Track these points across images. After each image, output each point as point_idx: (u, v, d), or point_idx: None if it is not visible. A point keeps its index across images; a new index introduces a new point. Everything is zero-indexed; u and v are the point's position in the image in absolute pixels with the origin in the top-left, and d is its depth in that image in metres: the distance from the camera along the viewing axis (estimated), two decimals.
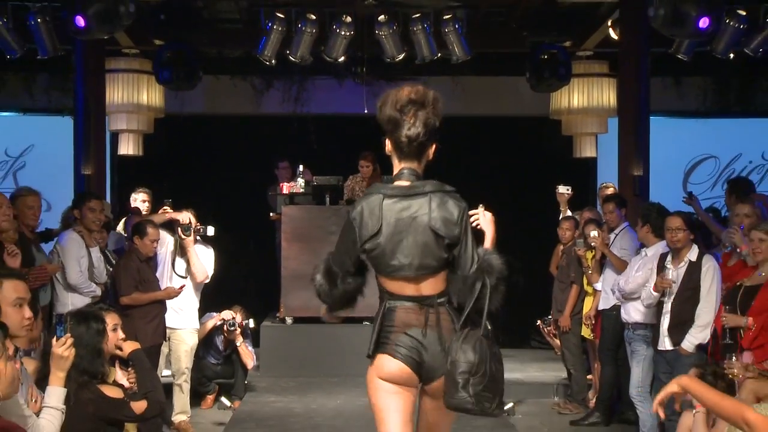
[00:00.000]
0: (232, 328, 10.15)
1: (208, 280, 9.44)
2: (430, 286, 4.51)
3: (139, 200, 10.76)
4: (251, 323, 10.39)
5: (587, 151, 14.03)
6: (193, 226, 9.24)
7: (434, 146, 4.56)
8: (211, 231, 9.41)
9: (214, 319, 10.18)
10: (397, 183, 4.54)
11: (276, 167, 13.29)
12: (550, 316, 10.42)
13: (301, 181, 12.01)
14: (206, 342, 10.25)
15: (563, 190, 11.02)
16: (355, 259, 4.57)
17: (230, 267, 11.34)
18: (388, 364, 4.52)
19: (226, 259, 10.64)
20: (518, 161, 14.33)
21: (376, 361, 4.56)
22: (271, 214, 12.54)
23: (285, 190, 12.06)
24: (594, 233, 9.34)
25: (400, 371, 4.50)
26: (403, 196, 4.49)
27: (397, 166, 4.58)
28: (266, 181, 13.39)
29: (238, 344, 10.26)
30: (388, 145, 4.56)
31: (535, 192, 13.43)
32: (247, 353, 10.29)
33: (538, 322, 10.58)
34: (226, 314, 10.25)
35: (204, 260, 9.40)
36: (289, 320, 11.69)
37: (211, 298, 10.24)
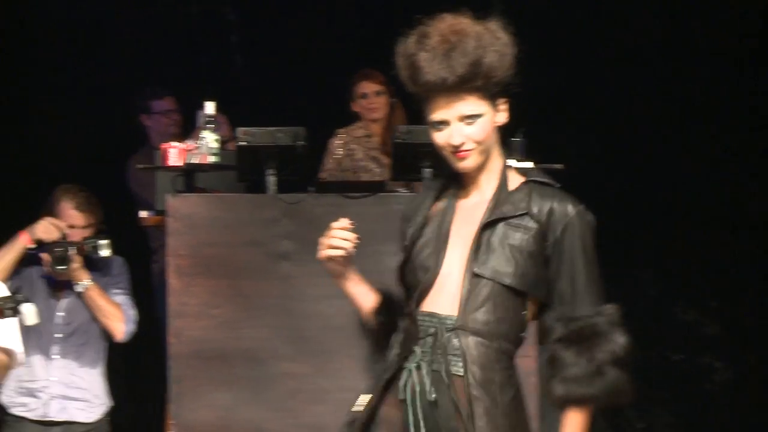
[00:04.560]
0: (62, 266, 5.74)
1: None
2: None
3: None
4: (103, 248, 5.90)
5: None
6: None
7: None
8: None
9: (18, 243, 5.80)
10: None
11: (146, 110, 7.29)
12: None
13: (209, 137, 5.97)
14: None
15: None
16: None
17: None
18: None
19: None
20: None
21: None
22: (140, 213, 6.36)
23: (174, 159, 5.99)
24: None
25: None
26: None
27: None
28: (123, 143, 7.31)
29: (80, 289, 5.84)
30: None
31: None
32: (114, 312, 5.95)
33: None
34: (44, 228, 5.80)
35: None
36: None
37: None
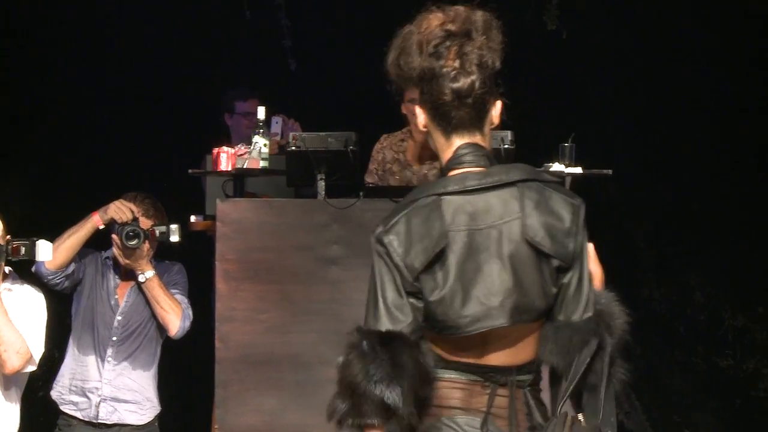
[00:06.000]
0: (134, 241, 5.69)
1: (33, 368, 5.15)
2: (511, 351, 2.86)
3: None
4: (174, 233, 5.83)
5: None
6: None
7: (499, 104, 2.92)
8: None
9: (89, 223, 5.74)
10: (458, 172, 2.89)
11: (230, 110, 7.19)
12: None
13: (260, 142, 5.76)
14: None
15: None
16: (414, 316, 2.85)
17: None
18: None
19: None
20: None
21: None
22: (191, 218, 6.18)
23: (224, 164, 5.80)
24: None
25: None
26: (475, 190, 2.84)
27: (446, 146, 2.94)
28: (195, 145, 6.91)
29: (142, 279, 5.79)
30: (421, 116, 2.94)
31: None
32: (173, 306, 5.88)
33: None
34: (115, 209, 5.74)
35: (23, 321, 5.10)
36: None
37: None
